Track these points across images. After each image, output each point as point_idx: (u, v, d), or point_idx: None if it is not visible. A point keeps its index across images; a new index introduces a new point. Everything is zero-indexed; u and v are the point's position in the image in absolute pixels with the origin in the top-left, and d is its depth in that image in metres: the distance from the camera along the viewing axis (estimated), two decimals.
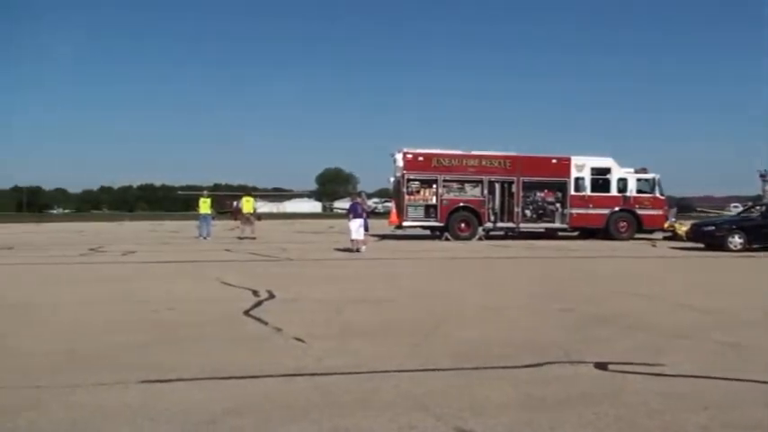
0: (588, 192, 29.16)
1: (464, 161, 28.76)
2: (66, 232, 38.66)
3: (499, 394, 5.33)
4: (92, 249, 22.91)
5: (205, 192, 33.96)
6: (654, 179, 29.96)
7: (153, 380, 5.66)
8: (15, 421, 4.60)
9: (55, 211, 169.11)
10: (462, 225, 28.34)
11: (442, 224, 28.36)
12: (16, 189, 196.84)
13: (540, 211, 29.39)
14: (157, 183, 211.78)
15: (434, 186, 28.31)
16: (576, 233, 30.25)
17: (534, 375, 5.95)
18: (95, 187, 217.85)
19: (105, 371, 5.97)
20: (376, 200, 74.96)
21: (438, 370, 6.08)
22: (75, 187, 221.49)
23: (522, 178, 28.80)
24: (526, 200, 29.15)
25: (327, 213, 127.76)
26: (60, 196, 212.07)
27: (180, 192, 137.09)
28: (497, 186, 28.72)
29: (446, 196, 28.31)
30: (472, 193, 28.64)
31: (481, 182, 28.59)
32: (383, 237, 29.49)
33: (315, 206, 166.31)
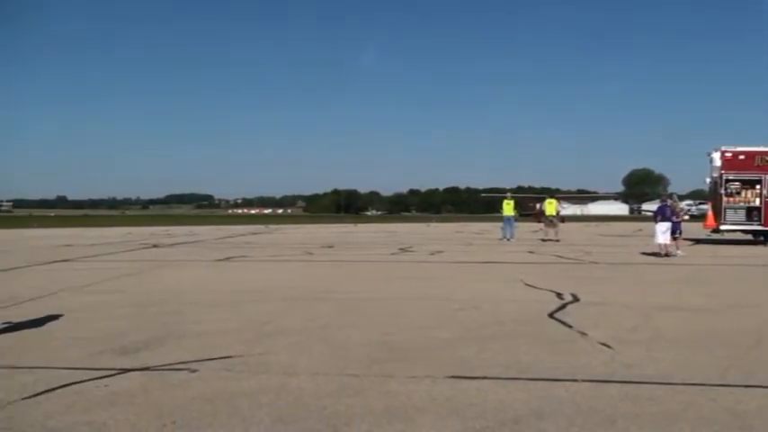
0: None
1: None
2: (379, 232, 41.43)
3: None
4: (402, 249, 24.29)
5: (508, 194, 34.26)
6: None
7: (459, 376, 5.84)
8: (335, 406, 5.01)
9: (369, 213, 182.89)
10: None
11: (766, 228, 25.83)
12: (335, 192, 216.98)
13: None
14: (462, 186, 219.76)
15: (758, 187, 25.79)
16: None
17: None
18: (405, 190, 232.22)
19: (416, 364, 6.29)
20: (689, 202, 70.74)
21: (763, 387, 5.52)
22: (386, 190, 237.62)
23: None
24: None
25: (635, 216, 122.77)
26: (374, 198, 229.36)
27: (483, 194, 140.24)
28: None
29: None
30: None
31: None
32: (698, 241, 27.56)
33: (621, 208, 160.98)
